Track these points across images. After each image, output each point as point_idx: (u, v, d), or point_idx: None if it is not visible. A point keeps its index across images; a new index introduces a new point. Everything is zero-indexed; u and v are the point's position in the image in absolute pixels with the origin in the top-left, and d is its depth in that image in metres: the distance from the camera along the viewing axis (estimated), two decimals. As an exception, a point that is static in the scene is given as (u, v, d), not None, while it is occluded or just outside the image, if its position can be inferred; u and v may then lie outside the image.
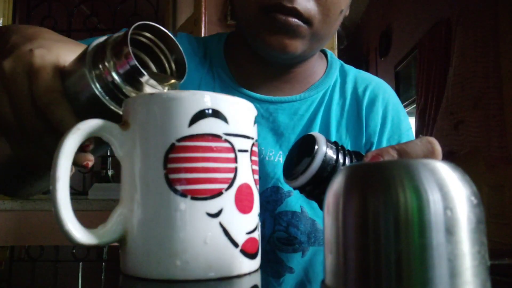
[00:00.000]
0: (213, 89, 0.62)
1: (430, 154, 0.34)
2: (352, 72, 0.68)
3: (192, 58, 0.63)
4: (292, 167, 0.39)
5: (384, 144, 0.63)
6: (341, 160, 0.37)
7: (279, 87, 0.63)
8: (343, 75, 0.67)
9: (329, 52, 0.70)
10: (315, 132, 0.39)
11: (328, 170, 0.36)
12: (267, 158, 0.59)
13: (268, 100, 0.61)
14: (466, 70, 2.43)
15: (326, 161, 0.36)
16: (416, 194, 0.18)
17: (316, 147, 0.36)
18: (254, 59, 0.62)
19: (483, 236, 0.19)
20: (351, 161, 0.38)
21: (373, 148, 0.62)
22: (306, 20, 0.52)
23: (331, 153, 0.37)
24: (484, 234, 0.19)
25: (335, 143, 0.39)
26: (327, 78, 0.65)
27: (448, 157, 2.52)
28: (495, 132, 2.24)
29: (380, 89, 0.66)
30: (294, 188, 0.39)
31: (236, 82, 0.62)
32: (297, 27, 0.52)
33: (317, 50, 0.62)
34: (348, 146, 0.62)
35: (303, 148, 0.39)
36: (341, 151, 0.38)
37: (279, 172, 0.59)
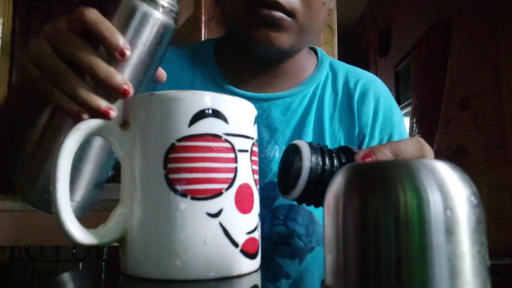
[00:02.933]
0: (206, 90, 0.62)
1: (421, 153, 0.35)
2: (343, 67, 0.69)
3: (178, 71, 0.65)
4: (284, 180, 0.40)
5: (376, 136, 0.64)
6: (328, 164, 0.37)
7: (271, 83, 0.64)
8: (334, 70, 0.69)
9: (319, 49, 0.71)
10: (298, 141, 0.39)
11: (317, 178, 0.37)
12: (262, 155, 0.60)
13: (261, 98, 0.62)
14: (465, 69, 2.43)
15: (312, 172, 0.37)
16: (416, 194, 0.18)
17: (300, 163, 0.37)
18: (244, 57, 0.62)
19: (483, 236, 0.19)
20: (339, 160, 0.38)
21: (366, 141, 0.63)
22: (290, 13, 0.54)
23: (316, 162, 0.37)
24: (484, 234, 0.19)
25: (319, 147, 0.39)
26: (318, 73, 0.66)
27: (446, 156, 2.52)
28: (494, 132, 2.25)
29: (371, 83, 0.67)
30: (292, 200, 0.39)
31: (228, 82, 0.63)
32: (281, 20, 0.54)
33: (305, 44, 0.63)
34: (341, 139, 0.63)
35: (290, 159, 0.39)
36: (327, 154, 0.38)
37: (275, 167, 0.59)
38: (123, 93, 0.34)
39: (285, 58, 0.62)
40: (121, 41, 0.34)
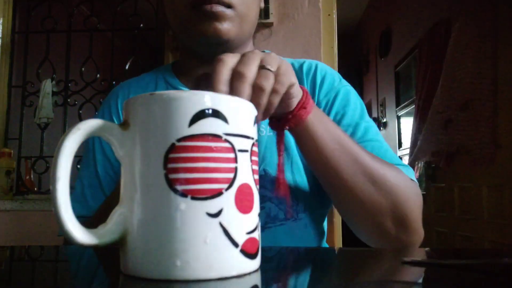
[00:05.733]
0: None
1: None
2: (288, 59, 0.76)
3: (144, 87, 0.75)
4: None
5: (322, 100, 0.70)
6: None
7: None
8: None
9: (265, 50, 0.79)
10: None
11: None
12: None
13: None
14: (463, 70, 2.43)
15: None
16: None
17: None
18: (197, 62, 0.71)
19: None
20: None
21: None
22: (228, 5, 0.63)
23: None
24: None
25: None
26: None
27: (440, 156, 2.53)
28: (494, 132, 2.24)
29: (315, 63, 0.75)
30: None
31: (188, 87, 0.73)
32: (222, 12, 0.63)
33: (247, 33, 0.70)
34: None
35: None
36: None
37: None
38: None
39: (232, 50, 0.69)
40: None
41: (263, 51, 0.81)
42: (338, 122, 0.67)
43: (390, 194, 0.55)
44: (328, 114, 0.68)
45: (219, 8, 0.62)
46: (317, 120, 0.52)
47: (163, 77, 0.75)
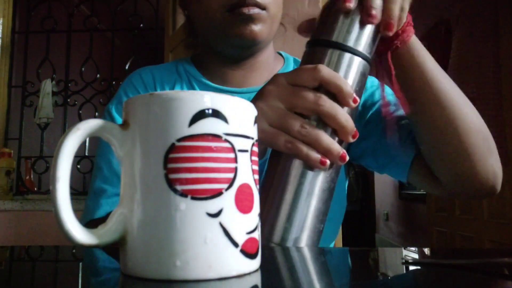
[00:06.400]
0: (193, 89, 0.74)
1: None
2: None
3: (169, 83, 0.75)
4: None
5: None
6: None
7: (250, 78, 0.74)
8: (298, 63, 0.80)
9: (283, 53, 0.84)
10: None
11: None
12: None
13: (244, 91, 0.72)
14: (465, 70, 2.43)
15: None
16: None
17: None
18: (221, 61, 0.73)
19: None
20: None
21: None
22: (264, 7, 0.65)
23: None
24: None
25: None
26: (287, 67, 0.79)
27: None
28: (494, 133, 2.24)
29: None
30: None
31: (216, 84, 0.73)
32: (258, 14, 0.65)
33: (274, 33, 0.73)
34: None
35: None
36: None
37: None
38: (354, 137, 0.41)
39: (259, 50, 0.72)
40: (352, 90, 0.41)
41: (279, 53, 0.83)
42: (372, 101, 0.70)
43: (480, 118, 0.58)
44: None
45: (256, 10, 0.64)
46: (418, 41, 0.53)
47: (183, 68, 0.76)
